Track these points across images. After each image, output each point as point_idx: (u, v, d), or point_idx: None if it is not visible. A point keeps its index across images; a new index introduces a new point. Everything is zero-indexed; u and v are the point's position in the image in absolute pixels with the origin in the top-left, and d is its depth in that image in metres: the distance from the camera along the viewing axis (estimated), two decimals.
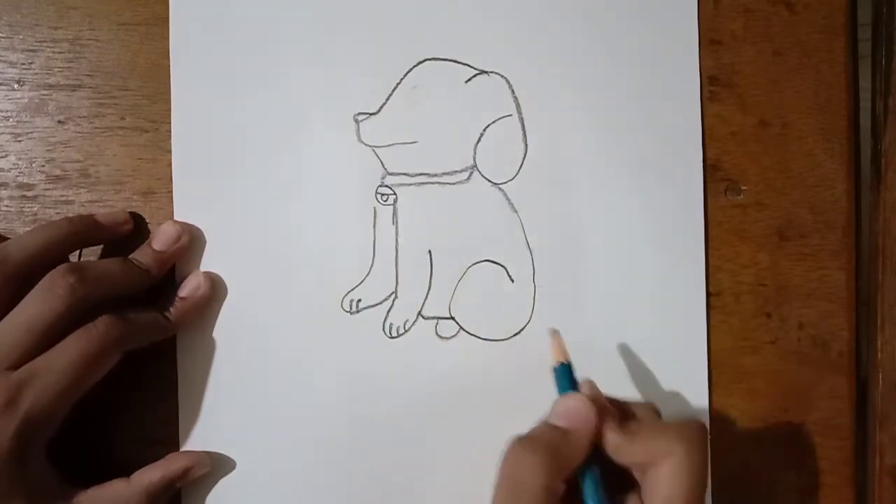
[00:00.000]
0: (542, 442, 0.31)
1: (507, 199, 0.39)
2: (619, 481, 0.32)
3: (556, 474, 0.31)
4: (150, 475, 0.37)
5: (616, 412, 0.33)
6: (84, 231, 0.38)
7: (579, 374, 0.34)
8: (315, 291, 0.39)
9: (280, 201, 0.39)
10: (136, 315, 0.37)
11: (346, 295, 0.39)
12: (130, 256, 0.38)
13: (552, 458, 0.31)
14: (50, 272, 0.35)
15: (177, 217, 0.39)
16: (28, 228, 0.39)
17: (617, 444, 0.32)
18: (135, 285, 0.37)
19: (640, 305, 0.40)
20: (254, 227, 0.39)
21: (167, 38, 0.39)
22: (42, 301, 0.34)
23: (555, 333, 0.34)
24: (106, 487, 0.36)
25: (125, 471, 0.37)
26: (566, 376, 0.33)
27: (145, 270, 0.37)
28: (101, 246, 0.39)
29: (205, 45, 0.39)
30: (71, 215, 0.39)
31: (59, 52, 0.40)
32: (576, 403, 0.32)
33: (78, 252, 0.39)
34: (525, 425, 0.39)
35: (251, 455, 0.39)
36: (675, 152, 0.40)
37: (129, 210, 0.39)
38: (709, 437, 0.32)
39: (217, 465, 0.39)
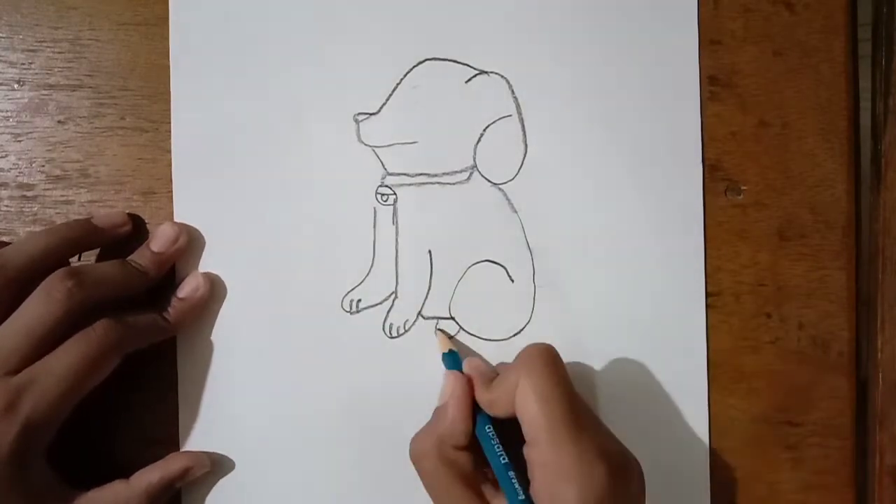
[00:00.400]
0: (427, 427, 0.36)
1: (507, 199, 0.39)
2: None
3: (444, 447, 0.35)
4: (150, 476, 0.37)
5: (490, 377, 0.36)
6: (82, 236, 0.38)
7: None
8: (315, 291, 0.39)
9: (280, 201, 0.39)
10: (136, 317, 0.37)
11: (346, 295, 0.39)
12: (129, 258, 0.38)
13: (435, 436, 0.35)
14: (48, 277, 0.35)
15: (177, 217, 0.39)
16: (28, 228, 0.39)
17: (487, 401, 0.35)
18: (133, 287, 0.37)
19: (639, 305, 0.39)
20: (254, 227, 0.39)
21: (167, 38, 0.39)
22: (41, 305, 0.34)
23: (438, 332, 0.39)
24: (106, 489, 0.36)
25: (125, 471, 0.37)
26: (449, 362, 0.38)
27: (144, 272, 0.37)
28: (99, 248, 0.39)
29: (205, 45, 0.39)
30: (69, 220, 0.39)
31: (59, 52, 0.40)
32: (446, 380, 0.36)
33: (78, 254, 0.39)
34: None
35: (251, 455, 0.39)
36: (675, 152, 0.40)
37: (128, 210, 0.39)
38: (551, 354, 0.34)
39: (217, 466, 0.39)
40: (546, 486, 0.32)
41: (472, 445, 0.35)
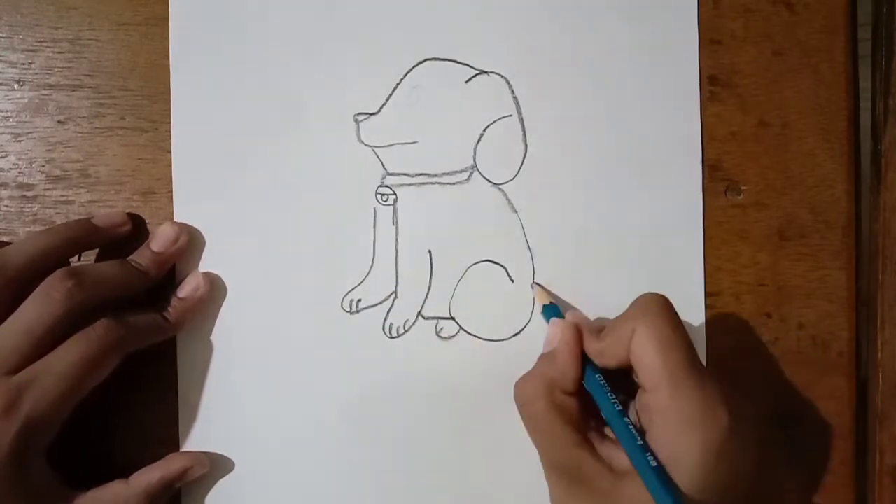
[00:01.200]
0: (535, 371, 0.35)
1: (507, 199, 0.39)
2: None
3: (555, 391, 0.34)
4: (149, 476, 0.37)
5: (597, 327, 0.35)
6: (82, 236, 0.38)
7: None
8: (315, 291, 0.39)
9: (280, 201, 0.39)
10: (136, 317, 0.37)
11: (346, 295, 0.39)
12: (129, 258, 0.38)
13: (545, 379, 0.34)
14: (48, 277, 0.35)
15: (177, 217, 0.39)
16: (28, 228, 0.39)
17: (597, 350, 0.34)
18: (133, 287, 0.37)
19: None
20: (254, 227, 0.39)
21: (167, 38, 0.39)
22: (40, 305, 0.34)
23: (535, 286, 0.39)
24: (105, 489, 0.36)
25: (125, 471, 0.37)
26: (551, 313, 0.37)
27: (144, 272, 0.37)
28: (99, 248, 0.39)
29: (205, 45, 0.39)
30: (69, 220, 0.39)
31: (59, 52, 0.40)
32: (553, 328, 0.36)
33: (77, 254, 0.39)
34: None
35: (251, 455, 0.39)
36: (675, 152, 0.40)
37: (128, 210, 0.39)
38: (668, 302, 0.34)
39: (216, 466, 0.39)
40: (667, 432, 0.31)
41: (579, 394, 0.35)
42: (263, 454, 0.39)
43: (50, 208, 0.40)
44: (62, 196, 0.40)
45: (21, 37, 0.40)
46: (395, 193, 0.39)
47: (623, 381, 0.35)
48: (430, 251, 0.40)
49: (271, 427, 0.39)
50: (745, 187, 0.40)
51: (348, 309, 0.39)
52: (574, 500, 0.33)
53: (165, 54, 0.39)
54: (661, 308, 0.33)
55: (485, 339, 0.40)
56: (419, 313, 0.40)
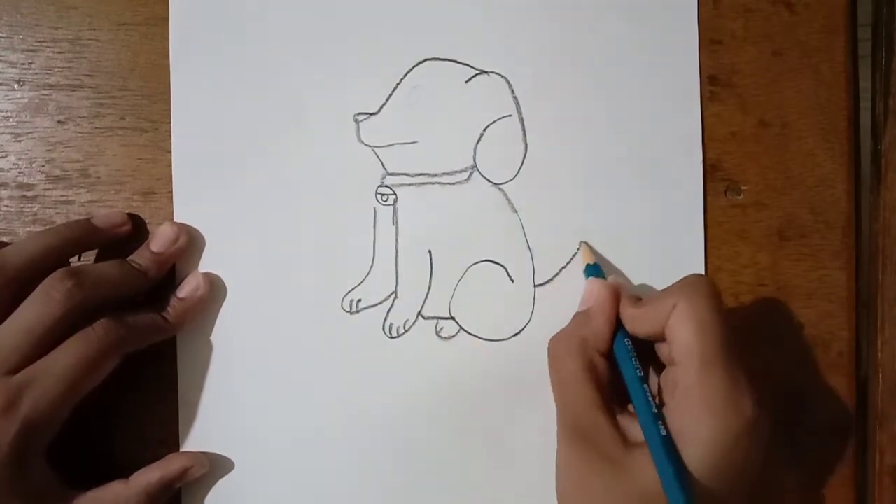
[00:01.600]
0: (569, 328, 0.36)
1: (507, 199, 0.39)
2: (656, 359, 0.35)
3: (588, 350, 0.34)
4: (149, 476, 0.37)
5: (634, 295, 0.36)
6: (82, 236, 0.38)
7: None
8: (315, 291, 0.39)
9: (280, 201, 0.39)
10: (135, 317, 0.37)
11: (346, 295, 0.39)
12: (129, 258, 0.38)
13: (579, 337, 0.35)
14: (48, 277, 0.35)
15: (177, 217, 0.39)
16: (28, 228, 0.39)
17: (631, 316, 0.35)
18: (133, 287, 0.37)
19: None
20: (254, 227, 0.39)
21: (167, 38, 0.39)
22: (40, 306, 0.34)
23: (583, 244, 0.39)
24: (105, 489, 0.36)
25: (125, 471, 0.37)
26: (592, 272, 0.38)
27: (143, 272, 0.37)
28: (99, 249, 0.39)
29: (205, 45, 0.39)
30: (69, 220, 0.39)
31: (59, 52, 0.40)
32: (591, 286, 0.36)
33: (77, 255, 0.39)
34: (525, 425, 0.39)
35: (250, 455, 0.39)
36: (675, 152, 0.40)
37: (128, 210, 0.39)
38: (714, 285, 0.34)
39: (216, 466, 0.39)
40: (688, 410, 0.31)
41: (609, 358, 0.35)
42: (263, 454, 0.39)
43: (50, 208, 0.40)
44: (62, 196, 0.40)
45: (21, 37, 0.40)
46: (395, 193, 0.39)
47: (647, 356, 0.35)
48: (430, 251, 0.40)
49: (271, 427, 0.39)
50: (745, 187, 0.40)
51: (348, 309, 0.39)
52: (581, 463, 0.33)
53: (165, 54, 0.39)
54: (706, 289, 0.33)
55: (485, 339, 0.40)
56: (419, 313, 0.40)
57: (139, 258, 0.38)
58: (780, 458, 0.40)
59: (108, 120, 0.40)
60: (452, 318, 0.40)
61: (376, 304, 0.39)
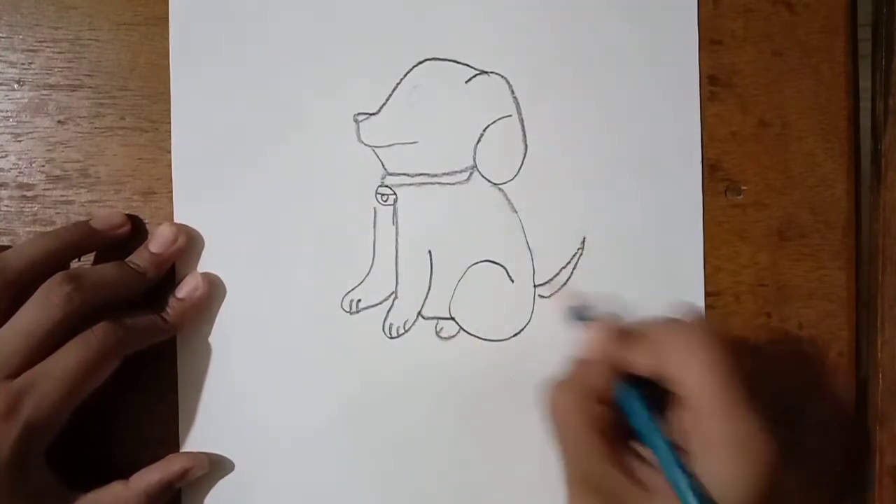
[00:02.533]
0: (567, 379, 0.33)
1: (507, 199, 0.39)
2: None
3: (589, 401, 0.32)
4: (149, 477, 0.37)
5: (632, 333, 0.33)
6: (81, 239, 0.38)
7: None
8: (315, 291, 0.39)
9: (280, 201, 0.39)
10: (135, 319, 0.37)
11: (346, 295, 0.39)
12: (127, 259, 0.38)
13: (578, 388, 0.33)
14: (47, 281, 0.35)
15: (177, 217, 0.39)
16: (28, 229, 0.39)
17: (632, 360, 0.33)
18: (132, 289, 0.37)
19: (639, 305, 0.39)
20: (254, 227, 0.39)
21: (167, 38, 0.39)
22: (39, 310, 0.34)
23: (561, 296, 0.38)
24: (105, 490, 0.36)
25: (125, 472, 0.37)
26: (576, 316, 0.37)
27: (142, 273, 0.37)
28: (98, 250, 0.39)
29: (205, 45, 0.39)
30: (69, 220, 0.39)
31: (59, 52, 0.40)
32: (586, 334, 0.34)
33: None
34: (525, 425, 0.39)
35: (251, 456, 0.39)
36: (675, 152, 0.40)
37: (128, 211, 0.39)
38: (706, 323, 0.33)
39: (217, 466, 0.39)
40: (714, 457, 0.30)
41: (612, 404, 0.33)
42: (263, 454, 0.39)
43: (50, 208, 0.40)
44: (62, 196, 0.40)
45: (21, 37, 0.40)
46: (395, 193, 0.39)
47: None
48: (430, 251, 0.40)
49: (271, 427, 0.39)
50: (745, 187, 0.40)
51: (348, 309, 0.39)
52: None
53: (165, 54, 0.39)
54: (708, 331, 0.32)
55: (485, 339, 0.40)
56: (419, 313, 0.40)
57: (138, 259, 0.38)
58: (780, 458, 0.40)
59: (108, 120, 0.40)
60: (452, 318, 0.40)
61: (376, 304, 0.39)
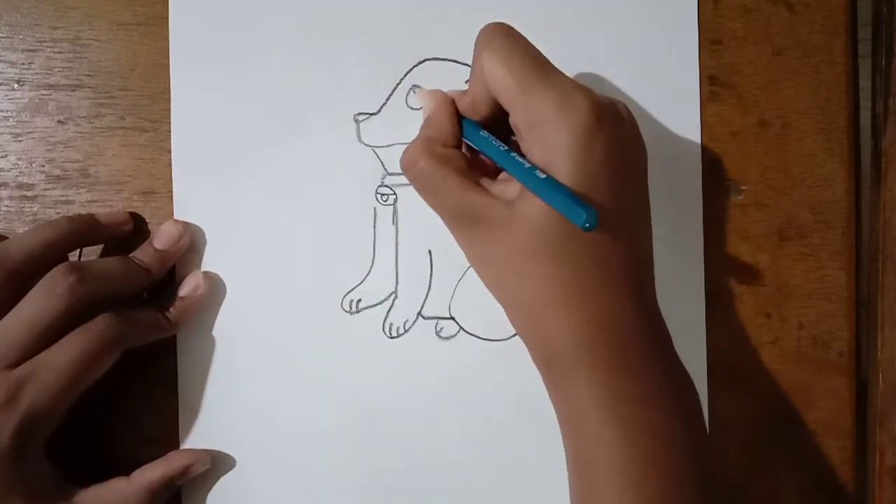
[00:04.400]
0: (414, 139, 0.35)
1: None
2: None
3: (435, 146, 0.34)
4: (151, 473, 0.37)
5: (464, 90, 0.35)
6: (84, 230, 0.38)
7: None
8: (315, 291, 0.39)
9: (280, 201, 0.39)
10: (136, 314, 0.37)
11: (346, 295, 0.39)
12: (131, 255, 0.38)
13: (423, 140, 0.34)
14: (50, 271, 0.35)
15: (177, 217, 0.39)
16: (28, 228, 0.39)
17: (466, 103, 0.34)
18: (135, 284, 0.37)
19: None
20: (254, 227, 0.39)
21: (167, 38, 0.39)
22: (42, 300, 0.34)
23: (413, 89, 0.39)
24: (106, 486, 0.36)
25: (126, 470, 0.37)
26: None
27: (145, 269, 0.37)
28: (102, 246, 0.39)
29: (205, 45, 0.39)
30: (71, 214, 0.39)
31: (59, 52, 0.40)
32: (423, 99, 0.36)
33: (79, 251, 0.39)
34: (525, 425, 0.39)
35: (251, 454, 0.39)
36: (675, 152, 0.40)
37: (129, 210, 0.39)
38: (507, 25, 0.33)
39: (217, 465, 0.39)
40: (537, 143, 0.31)
41: (466, 151, 0.35)
42: (263, 453, 0.39)
43: (50, 208, 0.40)
44: (62, 196, 0.40)
45: (21, 37, 0.40)
46: (395, 193, 0.39)
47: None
48: (430, 251, 0.40)
49: (271, 426, 0.39)
50: (745, 187, 0.40)
51: (348, 309, 0.39)
52: (477, 239, 0.33)
53: (165, 54, 0.39)
54: (499, 30, 0.33)
55: (485, 339, 0.40)
56: (419, 313, 0.40)
57: (142, 255, 0.38)
58: (781, 458, 0.40)
59: (108, 120, 0.40)
60: (452, 318, 0.40)
61: (376, 304, 0.39)
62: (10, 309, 0.35)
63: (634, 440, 0.30)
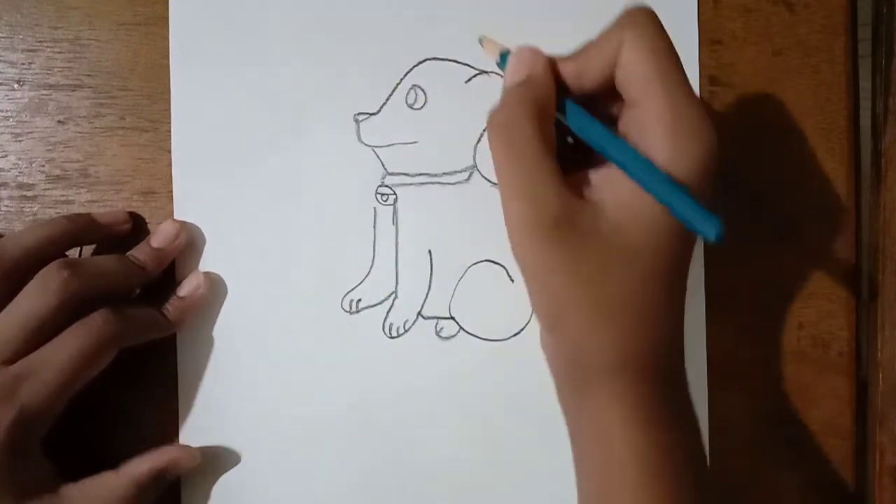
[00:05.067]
0: (511, 98, 0.30)
1: None
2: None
3: (544, 116, 0.30)
4: (140, 467, 0.36)
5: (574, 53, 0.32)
6: (81, 229, 0.38)
7: None
8: (315, 291, 0.39)
9: (280, 201, 0.39)
10: (135, 311, 0.37)
11: (346, 295, 0.39)
12: (128, 253, 0.38)
13: (525, 103, 0.30)
14: (44, 268, 0.35)
15: (176, 216, 0.39)
16: None
17: (574, 70, 0.31)
18: (130, 281, 0.37)
19: None
20: (254, 226, 0.39)
21: (167, 38, 0.39)
22: (36, 296, 0.34)
23: (484, 39, 0.34)
24: (95, 480, 0.36)
25: None
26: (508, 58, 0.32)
27: (142, 267, 0.37)
28: (98, 245, 0.39)
29: (205, 45, 0.39)
30: (69, 214, 0.39)
31: (59, 52, 0.40)
32: (521, 51, 0.31)
33: (78, 250, 0.39)
34: (524, 425, 0.39)
35: (250, 454, 0.39)
36: None
37: (129, 210, 0.39)
38: (655, 14, 0.30)
39: (216, 464, 0.39)
40: (665, 141, 0.28)
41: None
42: (263, 453, 0.39)
43: (50, 208, 0.40)
44: (62, 196, 0.40)
45: (21, 37, 0.40)
46: (395, 193, 0.39)
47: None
48: (430, 251, 0.40)
49: (271, 426, 0.39)
50: (745, 187, 0.40)
51: (348, 309, 0.39)
52: (549, 240, 0.29)
53: (165, 54, 0.39)
54: (650, 18, 0.30)
55: (485, 339, 0.40)
56: (419, 313, 0.40)
57: (139, 253, 0.38)
58: (780, 458, 0.40)
59: (108, 120, 0.40)
60: (452, 318, 0.40)
61: (376, 304, 0.39)
62: (5, 306, 0.34)
63: (657, 458, 0.29)
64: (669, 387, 0.30)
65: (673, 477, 0.29)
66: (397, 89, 0.39)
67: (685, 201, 0.28)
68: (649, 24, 0.30)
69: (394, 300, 0.39)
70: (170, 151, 0.39)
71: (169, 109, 0.39)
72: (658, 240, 0.29)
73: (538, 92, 0.30)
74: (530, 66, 0.31)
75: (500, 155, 0.30)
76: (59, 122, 0.40)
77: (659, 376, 0.30)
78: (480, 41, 0.35)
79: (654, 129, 0.29)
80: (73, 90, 0.40)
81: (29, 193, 0.40)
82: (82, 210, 0.39)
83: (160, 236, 0.38)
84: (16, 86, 0.40)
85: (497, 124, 0.30)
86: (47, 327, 0.34)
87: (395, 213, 0.39)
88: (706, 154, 0.29)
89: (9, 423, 0.33)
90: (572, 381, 0.31)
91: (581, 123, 0.30)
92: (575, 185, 0.30)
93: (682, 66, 0.30)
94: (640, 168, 0.28)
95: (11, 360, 0.34)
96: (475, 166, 0.39)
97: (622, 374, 0.29)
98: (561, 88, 0.31)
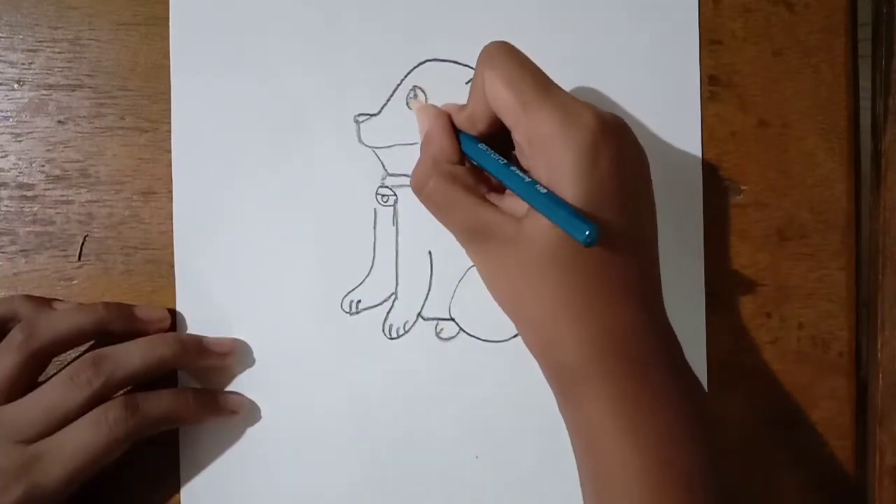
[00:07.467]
0: (419, 159, 0.35)
1: None
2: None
3: (442, 165, 0.34)
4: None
5: (461, 104, 0.35)
6: (117, 321, 0.38)
7: None
8: (315, 292, 0.39)
9: (280, 202, 0.39)
10: (152, 404, 0.37)
11: (346, 295, 0.39)
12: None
13: (428, 160, 0.34)
14: (77, 361, 0.36)
15: (176, 217, 0.39)
16: (28, 229, 0.39)
17: (463, 118, 0.34)
18: (157, 376, 0.37)
19: None
20: (254, 227, 0.39)
21: (167, 38, 0.39)
22: (63, 389, 0.35)
23: (412, 92, 0.39)
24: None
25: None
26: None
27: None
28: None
29: (205, 45, 0.39)
30: (109, 301, 0.39)
31: (59, 52, 0.40)
32: (418, 112, 0.37)
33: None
34: (525, 426, 0.39)
35: (251, 455, 0.39)
36: (675, 152, 0.40)
37: (128, 210, 0.39)
38: (510, 44, 0.33)
39: (215, 465, 0.39)
40: (541, 160, 0.31)
41: (470, 166, 0.34)
42: (263, 454, 0.39)
43: (50, 208, 0.40)
44: (62, 196, 0.40)
45: (21, 37, 0.40)
46: (395, 194, 0.39)
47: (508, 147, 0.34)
48: (430, 252, 0.40)
49: (271, 426, 0.39)
50: (745, 187, 0.40)
51: (348, 310, 0.39)
52: (489, 255, 0.33)
53: (165, 54, 0.39)
54: (503, 50, 0.32)
55: (485, 340, 0.40)
56: (419, 314, 0.40)
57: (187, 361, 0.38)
58: (780, 458, 0.40)
59: (108, 120, 0.40)
60: (452, 319, 0.40)
61: (376, 305, 0.39)
62: (29, 385, 0.36)
63: (649, 449, 0.30)
64: (646, 376, 0.31)
65: (669, 465, 0.30)
66: (398, 90, 0.39)
67: (554, 210, 0.30)
68: (499, 55, 0.32)
69: (394, 301, 0.39)
70: (170, 151, 0.39)
71: (169, 109, 0.39)
72: (561, 245, 0.30)
73: (434, 148, 0.34)
74: (426, 125, 0.35)
75: (430, 210, 0.34)
76: (59, 122, 0.40)
77: (632, 371, 0.31)
78: (408, 103, 0.39)
79: (529, 150, 0.31)
80: (73, 90, 0.40)
81: (29, 193, 0.40)
82: (82, 210, 0.39)
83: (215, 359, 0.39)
84: (16, 86, 0.40)
85: (415, 189, 0.34)
86: (71, 417, 0.35)
87: (395, 214, 0.39)
88: (578, 147, 0.30)
89: (15, 499, 0.34)
90: (555, 384, 0.33)
91: (477, 157, 0.34)
92: (505, 203, 0.33)
93: (541, 81, 0.32)
94: (518, 185, 0.31)
95: (30, 441, 0.35)
96: None
97: (589, 373, 0.31)
98: (460, 133, 0.35)
